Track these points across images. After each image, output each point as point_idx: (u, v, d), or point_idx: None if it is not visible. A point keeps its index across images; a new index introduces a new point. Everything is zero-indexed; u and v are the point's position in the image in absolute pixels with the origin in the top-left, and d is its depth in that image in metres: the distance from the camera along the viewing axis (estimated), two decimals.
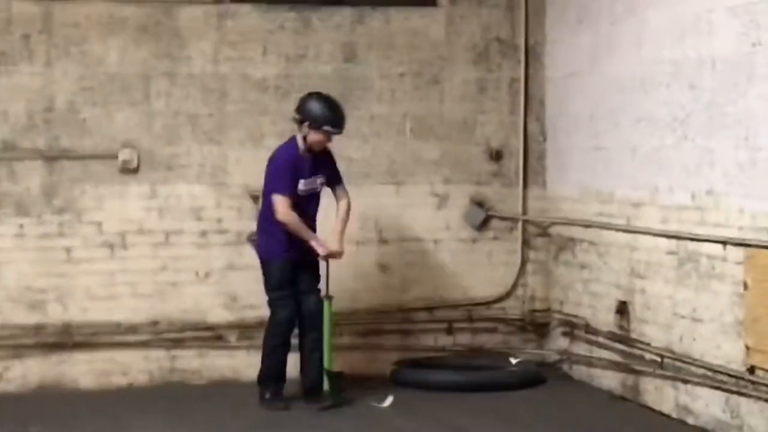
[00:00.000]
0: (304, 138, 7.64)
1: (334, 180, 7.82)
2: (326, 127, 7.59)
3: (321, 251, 7.60)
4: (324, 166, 7.74)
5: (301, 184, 7.61)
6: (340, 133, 7.68)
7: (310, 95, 7.75)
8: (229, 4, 8.53)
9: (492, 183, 9.04)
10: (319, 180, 7.71)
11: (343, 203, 7.82)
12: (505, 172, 9.06)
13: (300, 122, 7.66)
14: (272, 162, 7.73)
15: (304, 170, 7.64)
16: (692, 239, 7.03)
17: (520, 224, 9.07)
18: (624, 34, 7.86)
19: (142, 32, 8.41)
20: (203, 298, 8.54)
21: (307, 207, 7.66)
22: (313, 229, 7.70)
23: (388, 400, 7.74)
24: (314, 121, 7.59)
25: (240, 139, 8.56)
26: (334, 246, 7.69)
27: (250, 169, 8.46)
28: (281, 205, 7.53)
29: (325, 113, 7.62)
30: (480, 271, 9.01)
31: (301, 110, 7.66)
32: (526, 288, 9.10)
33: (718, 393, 6.80)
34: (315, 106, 7.64)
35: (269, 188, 7.65)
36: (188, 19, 8.48)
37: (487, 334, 9.04)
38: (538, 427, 7.05)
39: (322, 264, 7.71)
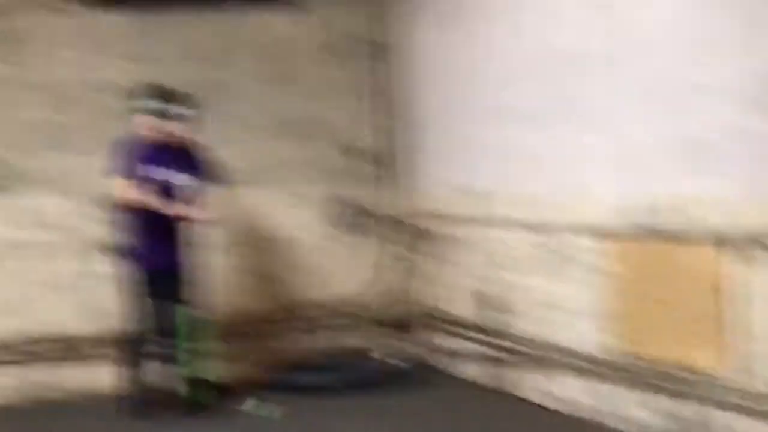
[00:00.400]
0: (141, 132, 7.48)
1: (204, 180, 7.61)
2: (138, 103, 7.37)
3: (172, 211, 7.39)
4: (190, 165, 7.55)
5: (150, 170, 7.37)
6: (155, 107, 7.43)
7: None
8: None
9: (349, 180, 9.04)
10: (181, 176, 7.52)
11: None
12: (362, 168, 9.07)
13: (133, 108, 7.48)
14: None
15: (154, 157, 7.41)
16: (552, 229, 7.12)
17: (378, 220, 9.09)
18: (475, 32, 7.94)
19: None
20: (59, 310, 8.30)
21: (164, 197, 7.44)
22: (178, 236, 7.54)
23: (250, 403, 7.67)
24: (142, 103, 7.41)
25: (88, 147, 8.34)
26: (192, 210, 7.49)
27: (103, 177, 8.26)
28: (123, 189, 7.27)
29: (148, 89, 7.46)
30: (339, 268, 9.01)
31: (131, 100, 7.51)
32: (386, 283, 9.13)
33: (580, 379, 6.92)
34: (140, 90, 7.49)
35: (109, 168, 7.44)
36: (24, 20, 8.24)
37: (350, 332, 9.03)
38: (405, 423, 7.07)
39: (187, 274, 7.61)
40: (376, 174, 9.09)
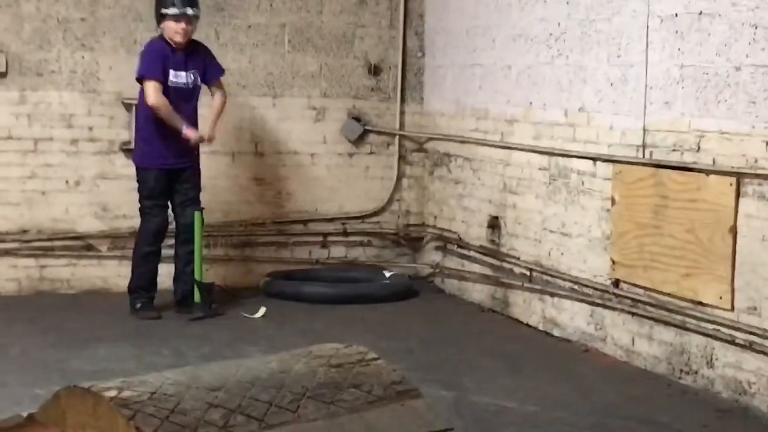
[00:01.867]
0: (164, 36, 7.51)
1: (209, 76, 7.67)
2: (171, 10, 7.41)
3: (191, 135, 7.46)
4: (198, 62, 7.59)
5: (173, 75, 7.44)
6: (187, 11, 7.43)
7: None
8: None
9: (370, 97, 9.02)
10: (193, 75, 7.56)
11: (217, 97, 7.69)
12: (383, 86, 9.05)
13: (157, 19, 7.52)
14: (141, 54, 7.59)
15: (174, 62, 7.46)
16: (563, 155, 7.14)
17: (396, 139, 9.09)
18: None
19: None
20: (73, 207, 8.38)
21: (182, 105, 7.48)
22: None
23: (261, 312, 7.75)
24: (163, 7, 7.45)
25: (113, 45, 8.36)
26: (206, 131, 7.57)
27: (123, 76, 8.29)
28: (152, 89, 7.35)
29: None
30: (356, 185, 9.03)
31: (156, 6, 7.56)
32: (401, 203, 9.15)
33: (583, 306, 6.97)
34: None
35: (140, 74, 7.48)
36: None
37: (362, 248, 9.08)
38: (407, 338, 7.13)
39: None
40: (399, 94, 9.05)
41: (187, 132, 7.45)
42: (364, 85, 9.00)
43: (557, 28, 7.18)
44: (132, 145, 8.07)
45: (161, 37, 7.55)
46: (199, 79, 7.60)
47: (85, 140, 8.36)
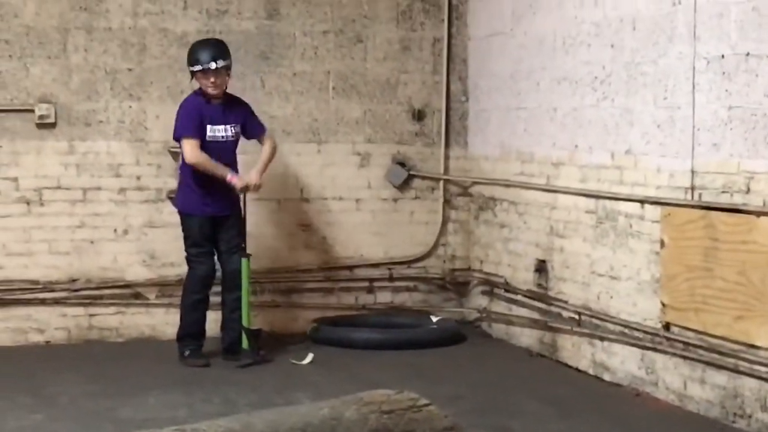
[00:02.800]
0: (200, 89, 7.57)
1: (254, 129, 7.72)
2: (198, 66, 7.48)
3: (236, 183, 7.49)
4: (237, 115, 7.64)
5: (210, 130, 7.50)
6: (211, 66, 7.47)
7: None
8: None
9: (414, 142, 9.05)
10: (232, 128, 7.60)
11: (267, 144, 7.72)
12: (427, 131, 9.08)
13: (190, 76, 7.60)
14: (177, 113, 7.65)
15: (211, 116, 7.52)
16: (611, 198, 7.11)
17: (441, 184, 9.10)
18: None
19: None
20: (122, 256, 8.44)
21: (221, 158, 7.52)
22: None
23: (308, 358, 7.75)
24: (190, 65, 7.52)
25: (160, 94, 8.45)
26: (252, 177, 7.57)
27: (170, 125, 8.35)
28: (189, 148, 7.42)
29: (194, 51, 7.56)
30: (401, 230, 9.04)
31: (187, 59, 7.64)
32: (446, 247, 9.15)
33: (634, 350, 6.91)
34: (188, 52, 7.62)
35: (176, 135, 7.56)
36: None
37: (408, 293, 9.08)
38: (455, 383, 7.09)
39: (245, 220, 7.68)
40: (443, 138, 9.07)
41: (232, 179, 7.49)
42: (409, 131, 9.03)
43: (602, 71, 7.18)
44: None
45: (197, 92, 7.62)
46: (238, 132, 7.64)
47: (132, 189, 8.44)
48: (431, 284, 9.14)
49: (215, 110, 7.56)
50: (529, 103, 8.13)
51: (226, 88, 7.65)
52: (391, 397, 3.96)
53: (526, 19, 8.17)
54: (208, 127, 7.50)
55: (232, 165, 7.62)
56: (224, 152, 7.57)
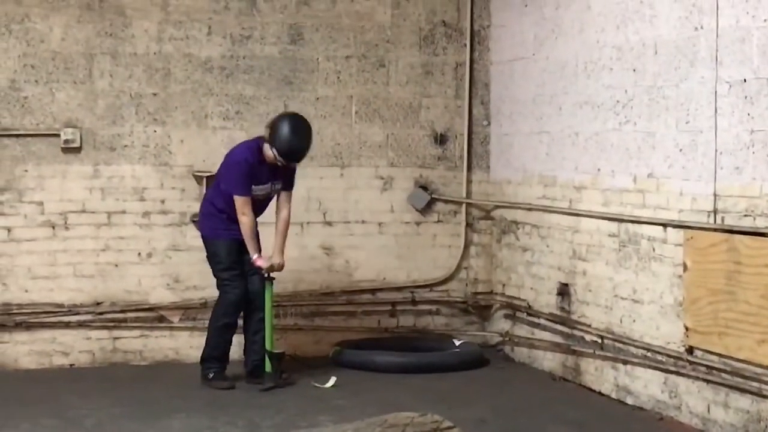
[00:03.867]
0: (263, 149, 7.61)
1: (285, 186, 7.78)
2: (281, 158, 7.54)
3: (263, 265, 7.59)
4: (283, 174, 7.71)
5: (255, 189, 7.59)
6: (292, 165, 7.65)
7: (285, 117, 7.68)
8: None
9: (436, 166, 9.08)
10: (277, 186, 7.70)
11: (283, 214, 7.76)
12: (450, 155, 9.11)
13: (268, 138, 7.61)
14: (232, 157, 7.68)
15: (260, 175, 7.60)
16: (633, 221, 7.12)
17: (463, 207, 9.12)
18: (568, 19, 7.93)
19: (86, 10, 8.34)
20: (146, 279, 8.49)
21: (259, 206, 7.68)
22: (261, 213, 7.70)
23: (331, 381, 7.76)
24: (275, 146, 7.53)
25: (184, 119, 8.52)
26: (276, 259, 7.67)
27: (194, 149, 8.47)
28: (243, 207, 7.52)
29: (285, 146, 7.52)
30: (423, 253, 9.06)
31: (272, 128, 7.58)
32: (469, 270, 9.16)
33: (657, 373, 6.90)
34: (283, 133, 7.52)
35: (225, 184, 7.62)
36: None
37: (430, 317, 9.09)
38: (479, 407, 7.10)
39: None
40: (465, 162, 9.10)
41: (257, 260, 7.58)
42: (431, 154, 9.06)
43: (624, 95, 7.20)
44: None
45: (254, 144, 7.66)
46: (278, 189, 7.71)
47: (157, 213, 8.49)
48: (454, 308, 9.15)
49: (265, 170, 7.62)
50: (552, 127, 8.16)
51: None
52: (414, 420, 3.98)
53: (548, 43, 8.20)
54: (254, 186, 7.59)
55: (263, 211, 7.72)
56: (260, 204, 7.69)
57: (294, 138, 7.55)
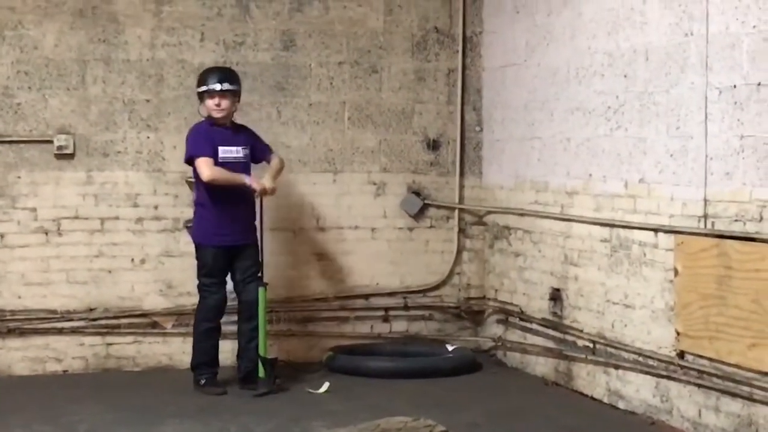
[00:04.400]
0: (207, 118, 7.71)
1: (262, 152, 7.85)
2: (205, 86, 7.64)
3: (255, 185, 7.58)
4: (245, 138, 7.77)
5: (222, 151, 7.60)
6: (216, 87, 7.63)
7: None
8: None
9: (429, 172, 9.11)
10: (242, 149, 7.71)
11: (274, 158, 7.87)
12: (442, 161, 9.14)
13: (199, 100, 7.80)
14: (186, 139, 7.78)
15: (221, 138, 7.64)
16: (624, 227, 7.15)
17: (456, 213, 9.15)
18: (559, 26, 7.96)
19: (79, 16, 8.36)
20: (139, 285, 8.51)
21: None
22: (251, 216, 7.72)
23: (325, 386, 7.78)
24: (197, 86, 7.73)
25: (177, 125, 8.53)
26: (266, 181, 7.67)
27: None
28: (204, 165, 7.54)
29: (203, 73, 7.80)
30: (416, 259, 9.08)
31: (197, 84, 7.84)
32: (461, 276, 9.18)
33: (648, 378, 6.93)
34: (198, 76, 7.85)
35: (189, 156, 7.67)
36: (125, 4, 8.44)
37: (423, 322, 9.11)
38: (471, 412, 7.12)
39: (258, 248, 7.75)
40: (458, 168, 9.13)
41: (250, 182, 7.59)
42: (423, 160, 9.09)
43: (615, 100, 7.24)
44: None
45: (205, 120, 7.76)
46: (248, 154, 7.76)
47: (150, 219, 8.51)
48: (446, 313, 9.17)
49: (223, 133, 7.69)
50: (543, 133, 8.19)
51: (233, 115, 7.76)
52: (408, 424, 4.01)
53: (539, 50, 8.24)
54: (220, 148, 7.62)
55: (247, 189, 7.70)
56: (238, 172, 7.67)
57: (209, 68, 8.00)
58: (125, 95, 8.46)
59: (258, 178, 7.69)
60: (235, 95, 7.75)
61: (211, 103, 7.66)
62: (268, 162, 7.89)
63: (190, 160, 7.68)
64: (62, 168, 8.37)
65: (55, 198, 8.36)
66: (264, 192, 7.66)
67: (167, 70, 8.53)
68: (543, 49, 8.19)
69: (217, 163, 7.58)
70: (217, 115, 7.66)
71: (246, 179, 7.59)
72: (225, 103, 7.67)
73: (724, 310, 6.19)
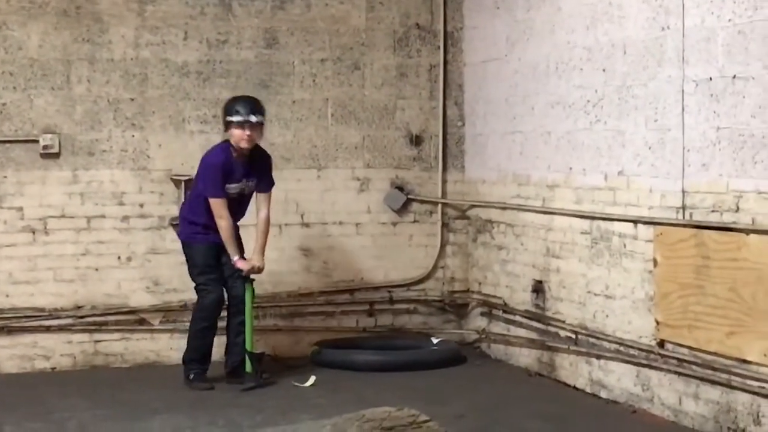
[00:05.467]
0: (229, 141, 7.72)
1: (262, 185, 7.86)
2: (235, 117, 7.62)
3: (243, 266, 7.68)
4: (257, 170, 7.80)
5: (230, 188, 7.67)
6: (251, 119, 7.63)
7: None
8: None
9: (412, 167, 9.20)
10: (251, 183, 7.78)
11: (262, 214, 7.84)
12: (425, 156, 9.22)
13: (224, 126, 7.76)
14: (206, 159, 7.78)
15: (234, 173, 7.69)
16: (605, 219, 7.26)
17: (439, 207, 9.24)
18: (539, 20, 8.06)
19: (63, 16, 8.42)
20: (126, 283, 8.58)
21: (236, 207, 7.76)
22: (240, 216, 7.80)
23: (311, 380, 7.87)
24: (226, 116, 7.69)
25: (162, 123, 8.60)
26: (255, 261, 7.76)
27: (172, 153, 8.56)
28: (220, 209, 7.60)
29: (231, 103, 7.76)
30: (400, 253, 9.17)
31: (223, 112, 7.80)
32: (445, 270, 9.28)
33: (629, 367, 7.03)
34: (226, 104, 7.81)
35: (200, 187, 7.72)
36: (109, 4, 8.50)
37: (408, 316, 9.20)
38: (456, 403, 7.21)
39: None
40: (440, 162, 9.21)
41: (238, 262, 7.67)
42: (406, 155, 9.18)
43: (594, 94, 7.34)
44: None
45: (224, 145, 7.76)
46: (253, 187, 7.81)
47: (136, 217, 8.58)
48: (431, 306, 9.27)
49: (239, 167, 7.70)
50: (524, 127, 8.29)
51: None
52: (391, 414, 4.09)
53: (520, 44, 8.33)
54: (228, 185, 7.67)
55: (242, 214, 7.80)
56: (239, 203, 7.78)
57: (239, 97, 7.95)
58: (110, 94, 8.52)
59: (248, 259, 7.72)
60: (262, 126, 7.79)
61: (240, 133, 7.62)
62: (257, 200, 7.84)
63: (204, 195, 7.69)
64: (48, 167, 8.43)
65: (41, 197, 8.42)
66: (252, 271, 7.74)
67: (151, 69, 8.59)
68: (523, 44, 8.29)
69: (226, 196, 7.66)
70: (245, 146, 7.65)
71: (236, 257, 7.64)
72: (254, 134, 7.69)
73: (702, 299, 6.30)
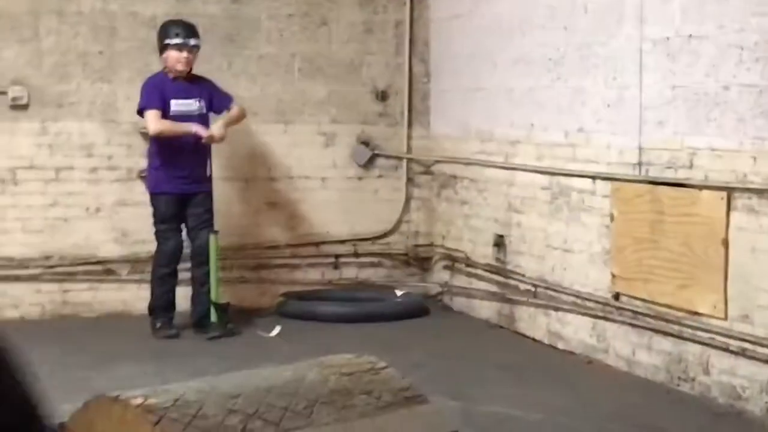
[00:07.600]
0: (166, 67, 7.84)
1: (221, 101, 7.98)
2: (174, 39, 7.76)
3: (202, 133, 7.72)
4: (202, 90, 7.91)
5: (174, 105, 7.76)
6: (189, 42, 7.78)
7: None
8: None
9: (378, 123, 9.31)
10: (197, 102, 7.86)
11: (236, 107, 8.00)
12: (391, 112, 9.34)
13: (159, 50, 7.88)
14: (141, 90, 7.91)
15: (175, 91, 7.79)
16: (564, 175, 7.41)
17: (404, 163, 9.37)
18: None
19: None
20: (94, 234, 8.68)
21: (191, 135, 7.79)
22: (204, 165, 7.89)
23: (276, 330, 8.02)
24: (164, 38, 7.81)
25: (130, 76, 8.66)
26: (214, 130, 7.81)
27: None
28: (150, 117, 7.71)
29: (169, 25, 7.91)
30: (366, 207, 9.30)
31: (158, 36, 7.93)
32: (410, 224, 9.42)
33: (586, 319, 7.23)
34: (163, 26, 7.94)
35: (139, 108, 7.85)
36: None
37: (373, 269, 9.35)
38: (416, 353, 7.37)
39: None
40: (406, 118, 9.33)
41: (198, 130, 7.74)
42: (372, 111, 9.29)
43: (556, 52, 7.47)
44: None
45: (161, 71, 7.90)
46: (204, 106, 7.90)
47: (104, 169, 8.67)
48: (395, 260, 9.42)
49: (178, 86, 7.83)
50: (488, 84, 8.41)
51: (191, 69, 7.90)
52: (351, 361, 4.21)
53: (484, 1, 8.44)
54: (173, 101, 7.76)
55: (204, 146, 7.86)
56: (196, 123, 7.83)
57: (174, 21, 8.04)
58: (78, 47, 8.58)
59: (204, 127, 7.84)
60: (197, 50, 7.90)
61: (177, 55, 7.77)
62: (229, 111, 8.05)
63: (140, 112, 7.85)
64: (17, 119, 8.49)
65: (10, 148, 8.48)
66: (211, 139, 7.81)
67: (120, 22, 8.65)
68: (488, 1, 8.39)
69: (169, 116, 7.74)
70: (181, 68, 7.79)
71: (193, 127, 7.73)
72: (191, 57, 7.82)
73: (656, 253, 6.48)
